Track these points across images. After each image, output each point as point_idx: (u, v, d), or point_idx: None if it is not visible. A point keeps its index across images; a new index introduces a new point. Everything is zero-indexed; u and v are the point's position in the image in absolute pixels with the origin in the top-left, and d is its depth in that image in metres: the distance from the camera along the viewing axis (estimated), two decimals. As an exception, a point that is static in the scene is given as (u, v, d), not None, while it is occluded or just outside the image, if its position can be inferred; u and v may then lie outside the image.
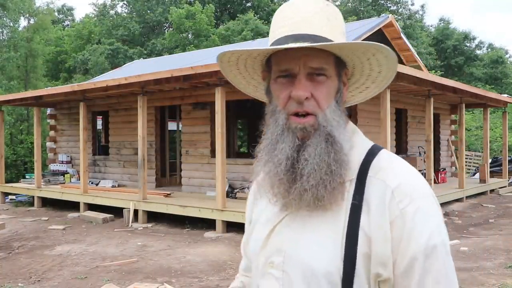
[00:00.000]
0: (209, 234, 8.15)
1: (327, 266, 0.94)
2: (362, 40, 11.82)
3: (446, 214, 9.85)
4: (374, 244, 0.92)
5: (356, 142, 1.03)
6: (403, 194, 0.93)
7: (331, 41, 0.97)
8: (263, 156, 1.03)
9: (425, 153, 11.26)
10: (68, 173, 13.44)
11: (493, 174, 15.64)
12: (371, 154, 1.01)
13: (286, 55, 0.98)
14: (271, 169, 1.00)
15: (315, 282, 0.95)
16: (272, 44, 1.01)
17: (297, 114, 0.98)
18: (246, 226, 1.24)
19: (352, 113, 11.08)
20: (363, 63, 1.04)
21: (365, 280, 0.93)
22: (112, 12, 34.74)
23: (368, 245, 0.92)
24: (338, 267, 0.93)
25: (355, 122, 11.01)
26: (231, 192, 9.73)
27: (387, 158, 1.01)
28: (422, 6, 49.29)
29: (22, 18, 23.70)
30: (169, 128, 13.80)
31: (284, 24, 1.00)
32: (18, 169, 20.05)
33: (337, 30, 1.01)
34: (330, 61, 0.99)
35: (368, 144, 1.04)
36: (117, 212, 9.83)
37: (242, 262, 1.31)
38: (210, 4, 31.13)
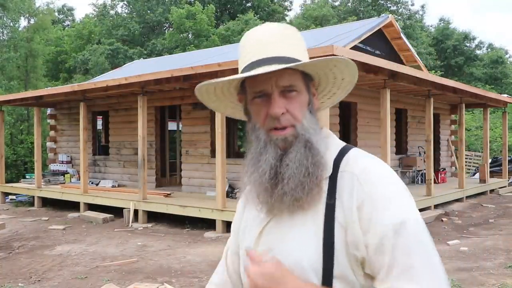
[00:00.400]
0: (209, 234, 8.15)
1: (311, 257, 1.02)
2: (362, 40, 11.84)
3: (446, 214, 9.86)
4: (348, 229, 1.00)
5: (330, 144, 1.13)
6: (367, 178, 1.02)
7: (296, 59, 1.08)
8: (249, 169, 1.12)
9: (425, 153, 11.26)
10: (68, 173, 13.45)
11: (493, 174, 15.65)
12: (342, 153, 1.11)
13: (259, 77, 1.07)
14: (256, 179, 1.09)
15: (302, 274, 1.02)
16: (244, 69, 1.11)
17: (276, 129, 1.08)
18: (230, 237, 1.31)
19: (352, 113, 11.09)
20: (327, 74, 1.15)
21: (348, 265, 1.00)
22: (112, 12, 34.74)
23: (343, 232, 1.01)
24: (321, 259, 1.02)
25: (355, 122, 11.03)
26: (231, 192, 9.74)
27: (355, 153, 1.10)
28: (422, 6, 49.33)
29: (22, 18, 23.70)
30: (169, 128, 13.80)
31: (251, 50, 1.10)
32: (18, 169, 20.06)
33: (299, 49, 1.12)
34: (298, 77, 1.09)
35: (340, 145, 1.14)
36: (117, 212, 9.83)
37: (217, 275, 1.33)
38: (210, 4, 31.15)
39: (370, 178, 1.03)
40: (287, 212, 1.08)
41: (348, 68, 1.11)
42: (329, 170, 1.07)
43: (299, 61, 1.07)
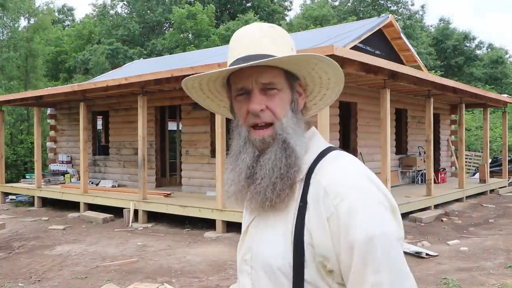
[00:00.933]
0: (209, 234, 8.15)
1: (281, 260, 1.03)
2: (362, 40, 11.83)
3: (446, 214, 9.86)
4: (314, 237, 1.00)
5: (311, 146, 1.12)
6: (335, 191, 1.00)
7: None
8: (228, 166, 1.15)
9: (425, 153, 11.26)
10: (68, 173, 13.45)
11: (493, 174, 15.65)
12: (321, 156, 1.09)
13: (240, 75, 1.09)
14: (234, 178, 1.12)
15: (274, 276, 1.04)
16: (229, 67, 1.12)
17: (256, 126, 1.09)
18: None
19: (352, 113, 11.09)
20: (310, 73, 1.14)
21: (315, 270, 1.01)
22: (112, 12, 34.74)
23: (310, 237, 1.01)
24: (289, 260, 1.02)
25: (355, 122, 11.03)
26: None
27: (331, 158, 1.08)
28: (422, 7, 49.34)
29: (22, 18, 23.70)
30: (169, 128, 13.80)
31: (236, 49, 1.13)
32: (18, 169, 20.06)
33: (284, 48, 1.12)
34: (280, 75, 1.09)
35: (322, 146, 1.12)
36: (117, 212, 9.83)
37: None
38: (210, 4, 31.15)
39: (339, 191, 0.99)
40: (266, 213, 1.09)
41: (330, 67, 1.11)
42: (303, 173, 1.06)
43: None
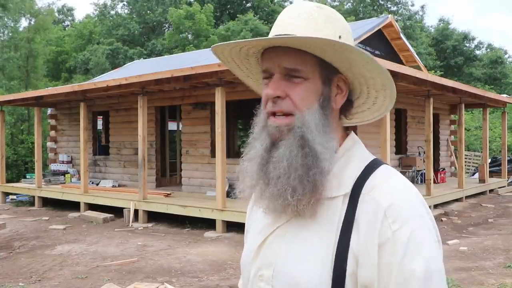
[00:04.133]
0: (209, 234, 8.17)
1: (316, 285, 0.90)
2: (362, 40, 11.85)
3: (445, 214, 9.87)
4: (360, 265, 0.88)
5: (354, 155, 0.99)
6: (396, 215, 0.87)
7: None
8: (244, 154, 1.03)
9: (424, 153, 11.28)
10: (68, 173, 13.46)
11: (492, 174, 15.66)
12: (369, 170, 0.96)
13: (267, 55, 0.98)
14: (247, 167, 1.00)
15: None
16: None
17: (274, 114, 0.97)
18: (244, 236, 1.21)
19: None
20: (351, 69, 1.00)
21: None
22: (112, 12, 34.75)
23: (355, 263, 0.88)
24: (326, 286, 0.89)
25: (355, 122, 11.02)
26: (231, 192, 9.74)
27: (383, 175, 0.95)
28: (422, 7, 49.32)
29: (23, 18, 23.73)
30: (169, 128, 13.83)
31: (277, 25, 1.00)
32: (19, 169, 20.07)
33: (326, 32, 0.96)
34: (309, 63, 0.96)
35: (367, 158, 0.99)
36: (117, 212, 9.85)
37: (241, 279, 1.21)
38: (208, 4, 31.15)
39: (400, 216, 0.87)
40: (297, 223, 0.95)
41: (369, 63, 0.96)
42: (347, 187, 0.93)
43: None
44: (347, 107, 1.04)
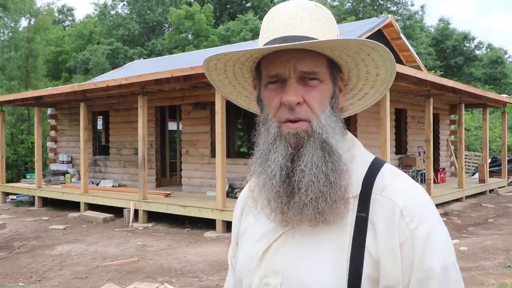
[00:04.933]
0: (209, 234, 8.17)
1: None
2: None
3: (445, 214, 9.88)
4: (382, 266, 0.86)
5: (356, 155, 0.97)
6: (413, 214, 0.88)
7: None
8: (256, 168, 0.96)
9: (424, 153, 11.28)
10: (68, 173, 13.47)
11: (492, 174, 15.67)
12: (374, 169, 0.95)
13: (276, 59, 0.92)
14: (266, 182, 0.93)
15: None
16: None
17: (289, 121, 0.92)
18: (232, 239, 1.17)
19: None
20: (358, 65, 0.97)
21: None
22: (112, 12, 34.76)
23: (374, 267, 0.87)
24: None
25: (355, 122, 11.04)
26: (231, 192, 9.75)
27: (391, 174, 0.94)
28: (422, 7, 49.32)
29: (23, 18, 23.75)
30: (169, 128, 13.83)
31: (273, 27, 0.94)
32: (19, 169, 20.08)
33: (329, 32, 0.94)
34: (323, 64, 0.93)
35: (369, 157, 0.98)
36: (117, 212, 9.85)
37: (229, 279, 1.17)
38: (208, 4, 31.16)
39: (417, 214, 0.88)
40: (305, 228, 0.92)
41: (383, 60, 0.94)
42: (357, 188, 0.92)
43: None
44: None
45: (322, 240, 0.91)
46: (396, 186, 0.91)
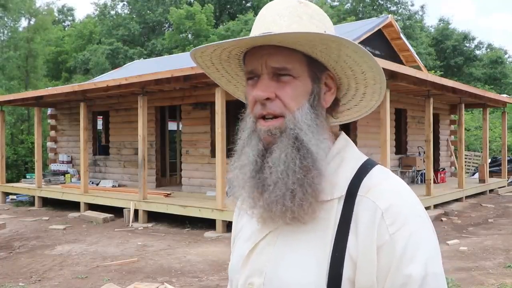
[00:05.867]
0: (209, 234, 8.17)
1: None
2: (362, 40, 11.84)
3: (445, 214, 9.88)
4: (358, 269, 0.84)
5: (346, 156, 0.95)
6: (394, 217, 0.85)
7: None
8: (232, 162, 0.98)
9: (424, 153, 11.28)
10: (68, 173, 13.47)
11: (492, 174, 15.67)
12: (363, 171, 0.92)
13: (252, 56, 0.93)
14: (238, 176, 0.94)
15: None
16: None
17: (263, 117, 0.92)
18: (231, 241, 1.15)
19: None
20: (338, 62, 0.95)
21: None
22: (112, 12, 34.77)
23: (353, 269, 0.85)
24: None
25: (355, 122, 11.04)
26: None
27: (379, 176, 0.92)
28: (422, 7, 49.32)
29: (22, 18, 23.75)
30: (169, 128, 13.83)
31: (256, 25, 0.95)
32: (19, 169, 20.08)
33: (312, 29, 0.92)
34: (297, 60, 0.91)
35: (360, 159, 0.95)
36: (117, 212, 9.85)
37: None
38: (209, 4, 31.18)
39: (398, 218, 0.84)
40: (290, 228, 0.91)
41: (358, 55, 0.91)
42: (343, 189, 0.90)
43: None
44: (334, 106, 1.00)
45: (304, 241, 0.89)
46: (381, 188, 0.89)
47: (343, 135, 1.00)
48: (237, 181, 0.95)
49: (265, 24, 0.93)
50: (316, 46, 0.90)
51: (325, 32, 0.92)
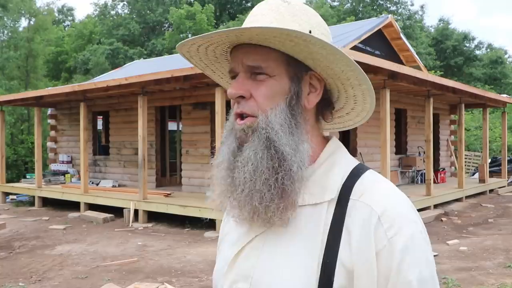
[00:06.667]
0: (209, 234, 8.18)
1: None
2: (362, 40, 11.84)
3: (445, 214, 9.88)
4: (357, 278, 0.82)
5: (337, 160, 0.93)
6: (391, 221, 0.83)
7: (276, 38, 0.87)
8: (213, 161, 0.97)
9: (424, 153, 11.28)
10: (68, 173, 13.47)
11: (492, 174, 15.67)
12: (355, 175, 0.90)
13: (232, 54, 0.94)
14: (216, 173, 0.94)
15: None
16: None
17: (241, 116, 0.91)
18: (217, 248, 1.12)
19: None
20: (314, 60, 0.91)
21: None
22: (112, 12, 34.78)
23: (347, 277, 0.82)
24: None
25: (355, 122, 11.02)
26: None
27: (371, 180, 0.90)
28: (422, 7, 49.32)
29: (22, 18, 23.75)
30: (169, 128, 13.83)
31: (244, 24, 0.94)
32: (19, 169, 20.08)
33: (293, 26, 0.89)
34: (273, 58, 0.89)
35: (352, 163, 0.94)
36: (117, 212, 9.85)
37: None
38: (209, 4, 31.19)
39: (395, 222, 0.83)
40: (277, 233, 0.89)
41: (327, 51, 0.87)
42: (333, 192, 0.88)
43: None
44: (326, 109, 0.97)
45: (292, 245, 0.87)
46: (375, 192, 0.87)
47: (334, 139, 0.98)
48: (215, 179, 0.94)
49: (248, 23, 0.92)
50: (284, 43, 0.87)
51: (310, 31, 0.90)
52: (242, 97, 0.90)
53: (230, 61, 0.95)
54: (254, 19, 0.92)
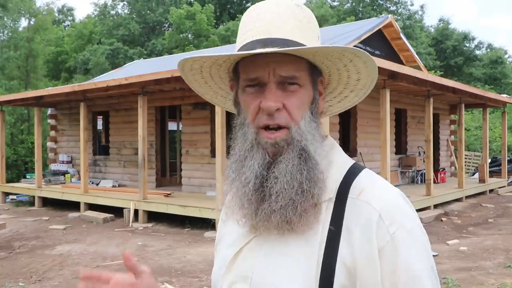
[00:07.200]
0: (209, 233, 8.17)
1: None
2: (362, 40, 11.85)
3: (445, 214, 9.88)
4: (360, 276, 0.82)
5: (334, 160, 0.93)
6: (392, 217, 0.84)
7: (303, 45, 0.88)
8: (230, 174, 0.93)
9: (424, 153, 11.28)
10: (68, 173, 13.47)
11: (492, 174, 15.67)
12: (352, 174, 0.91)
13: (255, 62, 0.88)
14: (239, 188, 0.90)
15: None
16: (240, 50, 0.91)
17: (267, 128, 0.88)
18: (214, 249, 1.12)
19: (352, 113, 11.11)
20: (339, 70, 0.95)
21: None
22: (112, 12, 34.79)
23: (348, 276, 0.82)
24: None
25: (355, 122, 11.05)
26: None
27: (368, 179, 0.91)
28: (422, 7, 49.31)
29: (22, 18, 23.75)
30: (169, 128, 13.83)
31: (252, 27, 0.90)
32: (19, 169, 20.07)
33: (310, 34, 0.91)
34: (303, 68, 0.90)
35: (348, 162, 0.94)
36: (117, 212, 9.85)
37: None
38: (209, 4, 31.19)
39: (396, 217, 0.84)
40: (275, 233, 0.88)
41: (366, 66, 0.91)
42: (331, 192, 0.88)
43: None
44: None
45: (291, 246, 0.87)
46: (373, 190, 0.88)
47: (329, 138, 0.98)
48: (237, 193, 0.91)
49: (263, 27, 0.89)
50: (328, 56, 0.90)
51: (318, 37, 0.94)
52: (277, 109, 0.88)
53: (250, 69, 0.89)
54: (271, 23, 0.89)
